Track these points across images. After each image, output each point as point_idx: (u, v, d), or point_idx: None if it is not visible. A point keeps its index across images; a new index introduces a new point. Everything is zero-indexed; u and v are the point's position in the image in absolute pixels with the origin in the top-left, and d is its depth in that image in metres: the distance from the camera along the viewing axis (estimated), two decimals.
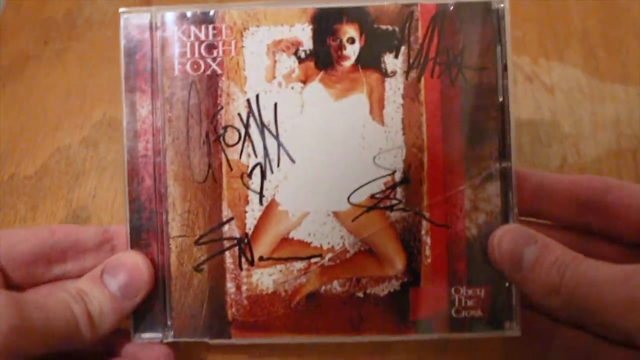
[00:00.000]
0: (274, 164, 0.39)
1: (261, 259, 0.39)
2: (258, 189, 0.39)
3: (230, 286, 0.39)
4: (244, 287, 0.39)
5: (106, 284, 0.38)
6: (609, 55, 0.54)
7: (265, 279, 0.39)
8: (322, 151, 0.39)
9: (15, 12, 0.62)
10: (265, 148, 0.39)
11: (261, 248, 0.39)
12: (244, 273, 0.39)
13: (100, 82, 0.56)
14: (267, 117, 0.39)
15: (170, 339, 0.39)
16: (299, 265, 0.39)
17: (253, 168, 0.39)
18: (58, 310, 0.35)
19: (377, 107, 0.38)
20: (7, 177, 0.52)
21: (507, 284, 0.38)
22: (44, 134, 0.54)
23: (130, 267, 0.38)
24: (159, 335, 0.39)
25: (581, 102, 0.52)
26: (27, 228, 0.43)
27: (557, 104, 0.51)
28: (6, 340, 0.31)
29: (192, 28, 0.39)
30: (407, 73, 0.38)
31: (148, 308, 0.39)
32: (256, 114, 0.39)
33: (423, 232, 0.38)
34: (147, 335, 0.39)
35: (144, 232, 0.39)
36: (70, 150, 0.53)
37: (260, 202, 0.39)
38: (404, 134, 0.38)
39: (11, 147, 0.54)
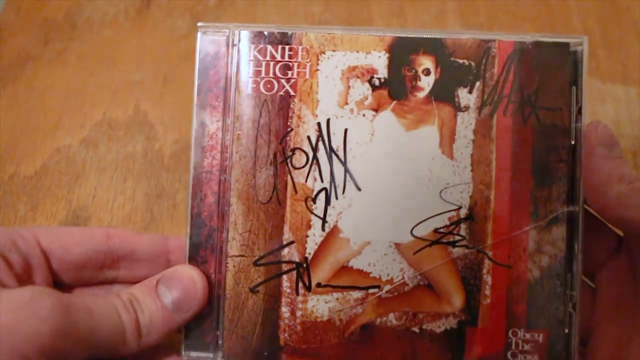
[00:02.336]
0: (339, 190, 0.38)
1: (319, 285, 0.38)
2: (322, 214, 0.38)
3: (284, 310, 0.38)
4: (298, 313, 0.38)
5: (160, 294, 0.37)
6: (609, 55, 0.56)
7: (321, 305, 0.38)
8: (388, 181, 0.38)
9: (15, 12, 0.61)
10: (332, 174, 0.38)
11: (319, 274, 0.38)
12: (299, 298, 0.38)
13: (100, 82, 0.56)
14: (336, 143, 0.38)
15: None
16: (357, 295, 0.38)
17: (318, 193, 0.38)
18: (106, 316, 0.34)
19: (447, 141, 0.38)
20: (7, 177, 0.52)
21: (566, 330, 0.38)
22: (44, 134, 0.54)
23: (186, 281, 0.37)
24: (209, 355, 0.39)
25: None
26: (83, 228, 0.42)
27: None
28: (49, 343, 0.31)
29: (269, 47, 0.38)
30: (480, 109, 0.38)
31: (200, 326, 0.38)
32: (325, 138, 0.38)
33: (484, 270, 0.38)
34: (196, 354, 0.39)
35: (202, 249, 0.39)
36: (70, 151, 0.53)
37: (323, 228, 0.38)
38: (472, 169, 0.38)
39: (11, 147, 0.53)
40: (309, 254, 0.38)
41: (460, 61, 0.38)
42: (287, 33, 0.38)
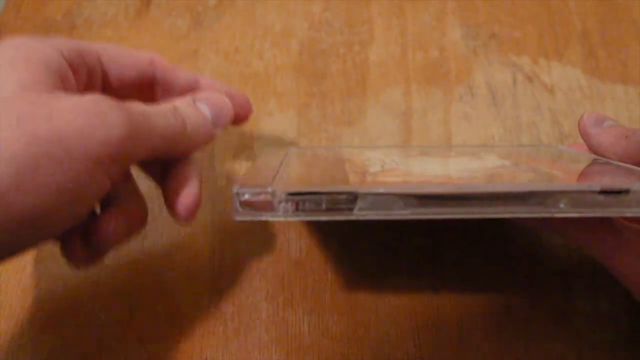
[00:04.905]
0: None
1: None
2: None
3: None
4: None
5: (199, 108, 0.39)
6: (609, 55, 0.56)
7: None
8: None
9: (15, 12, 0.61)
10: None
11: None
12: None
13: None
14: None
15: None
16: None
17: None
18: (160, 119, 0.35)
19: None
20: None
21: None
22: None
23: (218, 100, 0.41)
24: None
25: (581, 102, 0.53)
26: (131, 50, 0.42)
27: (557, 104, 0.52)
28: (118, 147, 0.31)
29: None
30: None
31: None
32: None
33: None
34: None
35: None
36: None
37: None
38: None
39: None
40: None
41: None
42: None
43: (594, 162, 0.39)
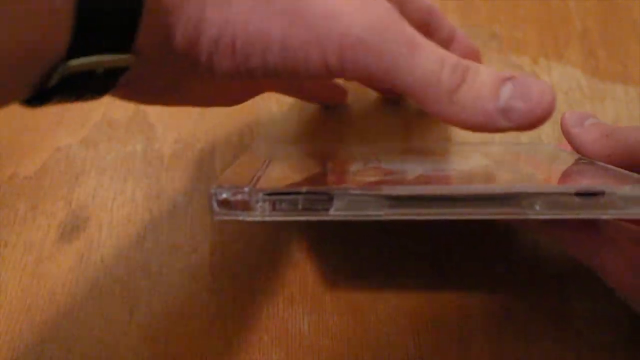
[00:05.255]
0: None
1: None
2: None
3: None
4: None
5: (500, 94, 0.32)
6: (609, 55, 0.56)
7: None
8: None
9: None
10: None
11: None
12: None
13: None
14: None
15: None
16: None
17: None
18: (427, 60, 0.32)
19: None
20: (7, 177, 0.51)
21: None
22: (44, 134, 0.54)
23: (538, 95, 0.33)
24: None
25: (581, 102, 0.53)
26: None
27: (557, 104, 0.52)
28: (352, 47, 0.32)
29: None
30: None
31: None
32: None
33: None
34: None
35: None
36: (70, 150, 0.52)
37: None
38: None
39: (11, 147, 0.53)
40: None
41: None
42: None
43: (577, 162, 0.39)
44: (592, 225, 0.36)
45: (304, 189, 0.32)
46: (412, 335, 0.43)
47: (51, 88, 0.30)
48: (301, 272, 0.46)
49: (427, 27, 0.42)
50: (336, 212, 0.32)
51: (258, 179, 0.35)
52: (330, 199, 0.32)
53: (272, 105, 0.55)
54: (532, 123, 0.32)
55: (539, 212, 0.32)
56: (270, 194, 0.32)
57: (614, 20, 0.59)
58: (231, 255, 0.47)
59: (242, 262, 0.47)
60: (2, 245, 0.48)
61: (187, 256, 0.47)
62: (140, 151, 0.53)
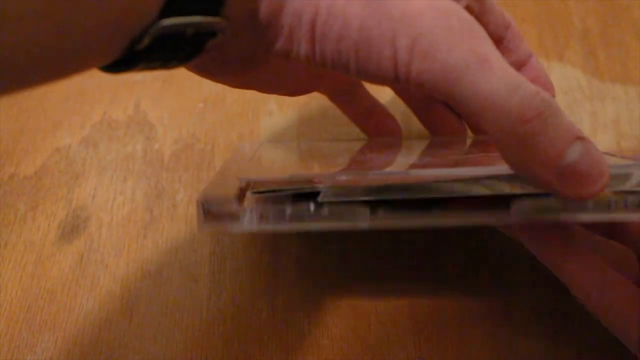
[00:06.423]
0: None
1: None
2: None
3: None
4: None
5: (566, 154, 0.29)
6: (609, 55, 0.56)
7: None
8: None
9: None
10: None
11: None
12: None
13: (100, 81, 0.56)
14: None
15: None
16: None
17: None
18: (497, 78, 0.30)
19: None
20: (7, 177, 0.51)
21: None
22: (44, 134, 0.54)
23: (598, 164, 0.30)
24: None
25: (581, 102, 0.53)
26: None
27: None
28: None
29: None
30: None
31: None
32: None
33: None
34: None
35: None
36: (70, 150, 0.53)
37: None
38: None
39: (11, 147, 0.53)
40: None
41: None
42: None
43: None
44: (560, 233, 0.36)
45: (289, 197, 0.32)
46: (412, 335, 0.43)
47: (139, 51, 0.30)
48: (301, 272, 0.46)
49: (500, 43, 0.42)
50: (324, 223, 0.31)
51: (246, 186, 0.34)
52: (317, 208, 0.31)
53: (272, 105, 0.55)
54: (580, 194, 0.29)
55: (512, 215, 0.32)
56: (256, 204, 0.32)
57: (614, 20, 0.59)
58: (231, 255, 0.47)
59: (242, 263, 0.47)
60: (2, 245, 0.48)
61: (187, 256, 0.47)
62: (140, 151, 0.53)
